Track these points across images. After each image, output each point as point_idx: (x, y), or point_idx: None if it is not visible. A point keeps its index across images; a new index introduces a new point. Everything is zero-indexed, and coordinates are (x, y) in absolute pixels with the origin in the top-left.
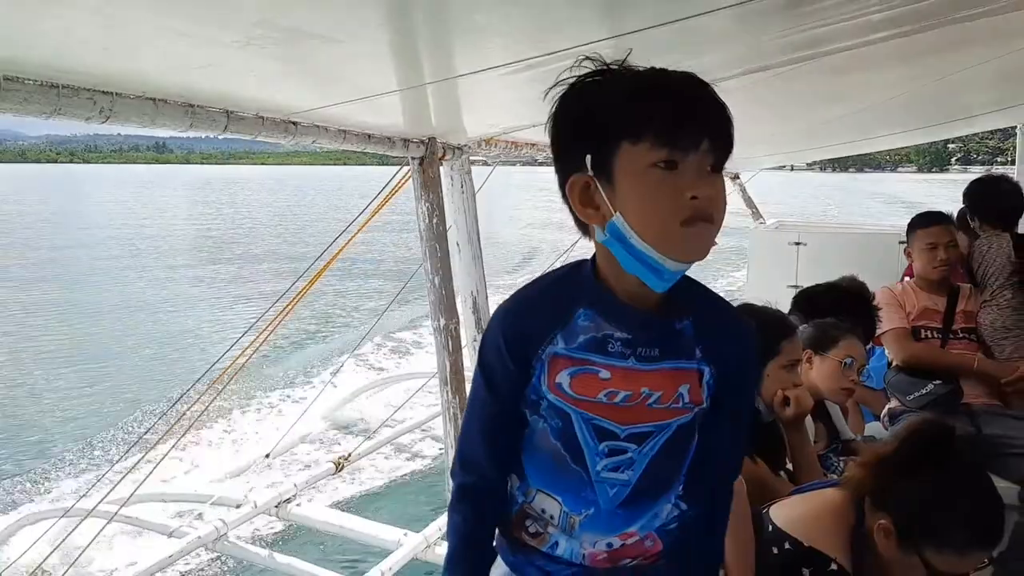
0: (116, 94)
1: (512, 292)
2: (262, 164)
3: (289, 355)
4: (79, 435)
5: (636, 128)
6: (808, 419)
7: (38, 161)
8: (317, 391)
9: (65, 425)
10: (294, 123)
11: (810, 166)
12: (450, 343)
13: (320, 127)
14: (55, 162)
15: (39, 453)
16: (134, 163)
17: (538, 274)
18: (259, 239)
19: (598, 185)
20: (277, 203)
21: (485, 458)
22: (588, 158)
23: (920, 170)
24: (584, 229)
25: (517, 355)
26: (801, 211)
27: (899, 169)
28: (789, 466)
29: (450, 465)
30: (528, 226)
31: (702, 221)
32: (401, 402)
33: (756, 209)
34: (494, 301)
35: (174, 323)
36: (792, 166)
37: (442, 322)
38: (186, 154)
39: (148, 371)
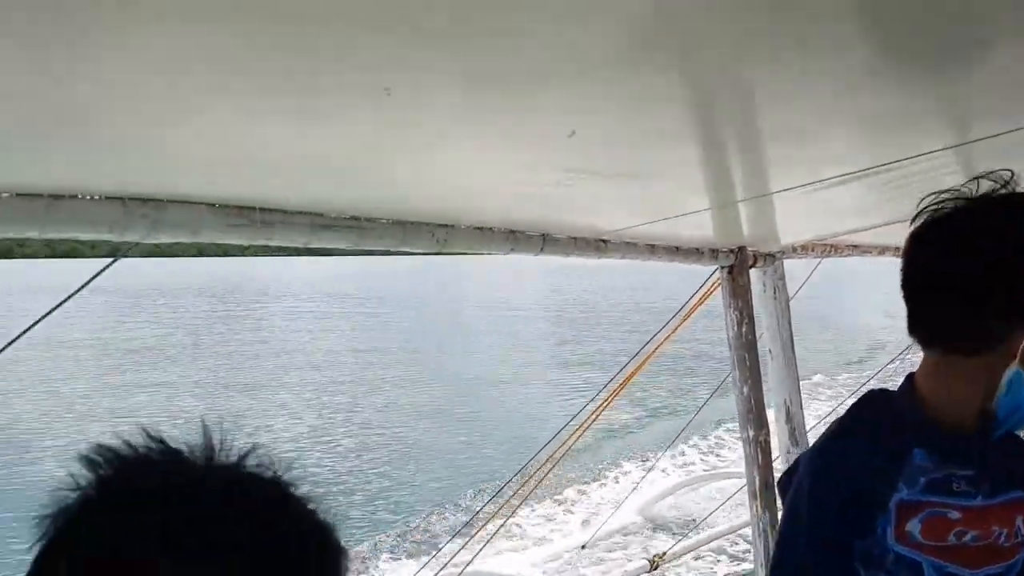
0: (450, 226)
1: (826, 439)
2: None
3: (607, 443)
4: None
5: None
6: None
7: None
8: (634, 482)
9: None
10: (604, 241)
11: None
12: (760, 456)
13: (629, 243)
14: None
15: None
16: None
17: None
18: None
19: None
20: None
21: None
22: None
23: None
24: (974, 351)
25: (856, 510)
26: None
27: None
28: None
29: None
30: (873, 311)
31: None
32: (719, 502)
33: None
34: (826, 396)
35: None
36: None
37: (751, 433)
38: None
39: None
